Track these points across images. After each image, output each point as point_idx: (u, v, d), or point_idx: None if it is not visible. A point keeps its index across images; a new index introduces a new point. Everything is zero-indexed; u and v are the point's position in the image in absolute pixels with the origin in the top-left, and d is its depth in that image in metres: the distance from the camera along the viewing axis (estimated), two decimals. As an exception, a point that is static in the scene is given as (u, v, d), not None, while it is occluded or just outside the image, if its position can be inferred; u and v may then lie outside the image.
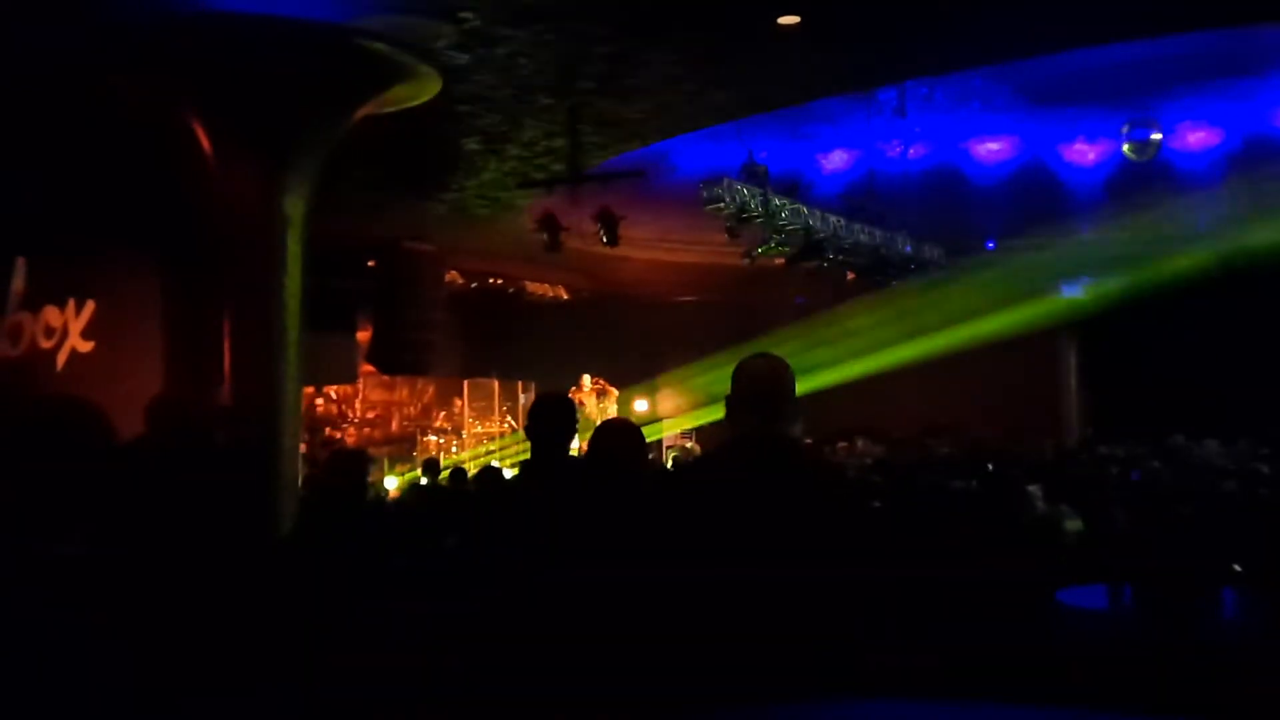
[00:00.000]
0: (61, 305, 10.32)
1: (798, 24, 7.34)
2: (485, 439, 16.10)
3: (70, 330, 10.33)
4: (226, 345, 7.63)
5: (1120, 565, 5.43)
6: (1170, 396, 14.50)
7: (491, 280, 16.31)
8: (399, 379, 15.86)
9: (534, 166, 10.11)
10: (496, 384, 16.47)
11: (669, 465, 13.13)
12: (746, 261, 12.72)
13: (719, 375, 3.70)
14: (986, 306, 15.13)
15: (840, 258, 12.98)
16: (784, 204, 11.67)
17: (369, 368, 14.66)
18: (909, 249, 13.64)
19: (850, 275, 13.64)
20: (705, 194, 10.95)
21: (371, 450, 13.41)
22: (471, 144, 9.64)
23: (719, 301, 17.22)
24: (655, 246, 14.66)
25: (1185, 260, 13.62)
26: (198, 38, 7.04)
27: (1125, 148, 11.78)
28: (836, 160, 12.77)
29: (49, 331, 10.28)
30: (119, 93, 7.71)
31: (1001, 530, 6.23)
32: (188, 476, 3.60)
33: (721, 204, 10.89)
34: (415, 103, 7.99)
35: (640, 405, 17.53)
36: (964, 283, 14.50)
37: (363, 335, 14.26)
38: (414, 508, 8.80)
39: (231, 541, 3.41)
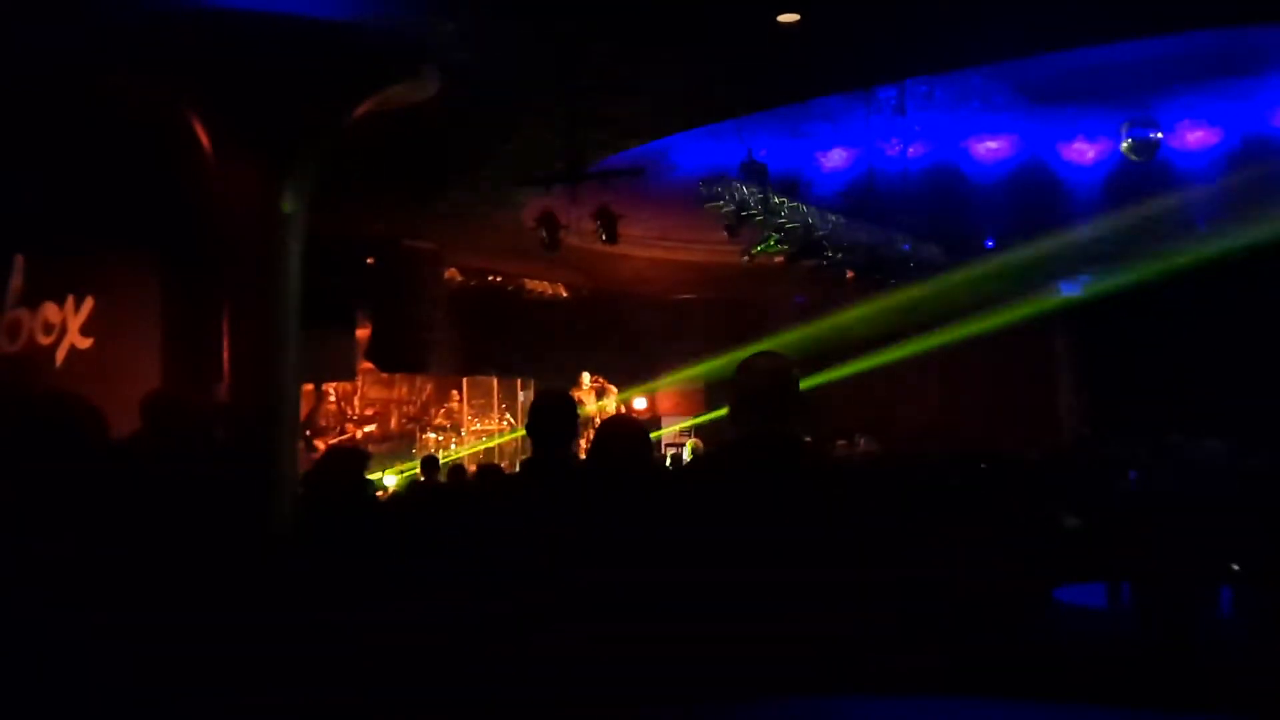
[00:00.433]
0: (60, 301, 10.30)
1: (797, 22, 7.34)
2: (484, 436, 16.09)
3: (69, 326, 10.31)
4: (225, 342, 7.63)
5: (1118, 564, 5.44)
6: (1169, 396, 14.50)
7: (491, 278, 16.30)
8: (398, 376, 15.83)
9: (533, 164, 10.09)
10: (495, 382, 16.44)
11: (668, 463, 13.13)
12: (746, 260, 12.74)
13: (718, 373, 3.70)
14: (985, 305, 15.15)
15: (839, 256, 12.97)
16: (783, 202, 11.67)
17: (368, 365, 14.64)
18: (908, 247, 13.63)
19: (849, 274, 13.63)
20: (705, 192, 10.95)
21: (370, 448, 13.39)
22: (471, 142, 9.63)
23: (718, 300, 17.21)
24: (654, 244, 14.65)
25: (1184, 259, 13.61)
26: (197, 35, 7.03)
27: (1124, 147, 11.77)
28: (836, 158, 12.75)
29: (48, 328, 10.26)
30: (118, 90, 7.70)
31: (1000, 529, 6.23)
32: (184, 472, 3.61)
33: (721, 202, 10.90)
34: (415, 101, 7.99)
35: (639, 403, 17.52)
36: (963, 281, 14.49)
37: (362, 333, 14.23)
38: (413, 505, 8.79)
39: (229, 538, 3.41)
